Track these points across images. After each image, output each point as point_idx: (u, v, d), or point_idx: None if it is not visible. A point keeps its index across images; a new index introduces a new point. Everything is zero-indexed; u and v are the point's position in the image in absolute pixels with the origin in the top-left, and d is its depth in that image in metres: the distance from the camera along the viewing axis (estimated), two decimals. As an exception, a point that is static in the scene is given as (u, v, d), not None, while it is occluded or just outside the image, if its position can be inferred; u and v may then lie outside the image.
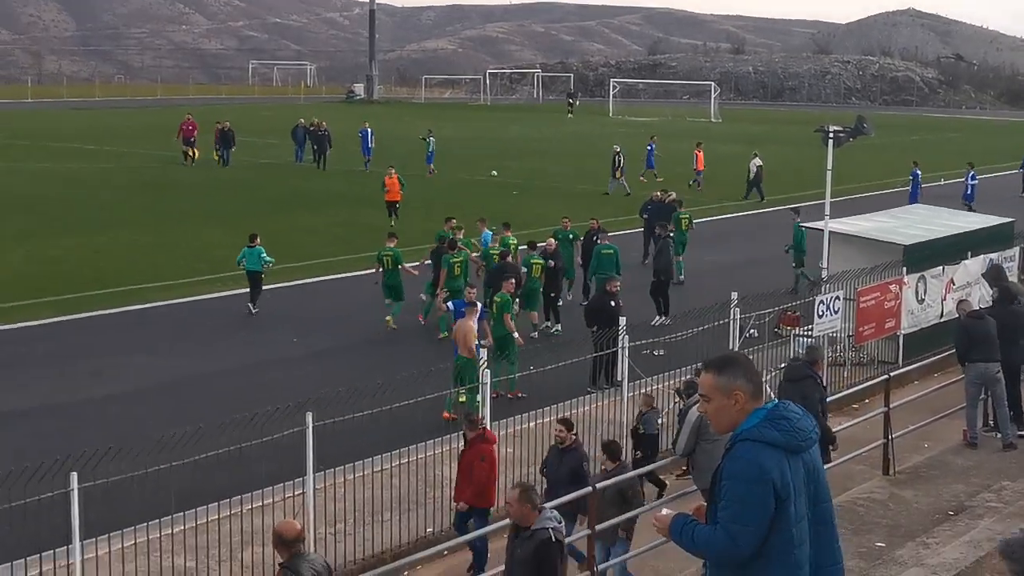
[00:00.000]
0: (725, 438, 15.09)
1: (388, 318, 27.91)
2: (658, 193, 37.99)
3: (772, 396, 16.63)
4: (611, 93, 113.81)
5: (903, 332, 25.58)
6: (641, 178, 54.18)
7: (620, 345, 21.10)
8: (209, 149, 60.50)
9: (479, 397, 18.99)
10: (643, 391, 19.34)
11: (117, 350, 25.95)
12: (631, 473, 15.61)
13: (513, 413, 20.06)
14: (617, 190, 50.59)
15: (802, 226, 30.69)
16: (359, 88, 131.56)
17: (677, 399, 18.58)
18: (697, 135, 65.40)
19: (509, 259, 28.01)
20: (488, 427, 17.29)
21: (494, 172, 56.79)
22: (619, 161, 51.30)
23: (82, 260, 35.47)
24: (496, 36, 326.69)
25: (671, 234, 31.90)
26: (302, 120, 64.93)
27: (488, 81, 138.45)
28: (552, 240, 29.75)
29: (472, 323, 22.00)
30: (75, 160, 61.70)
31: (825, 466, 13.58)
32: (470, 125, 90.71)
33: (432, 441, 18.66)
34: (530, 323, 27.59)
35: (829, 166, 26.57)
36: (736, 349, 22.36)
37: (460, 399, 20.56)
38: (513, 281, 25.63)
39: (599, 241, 30.22)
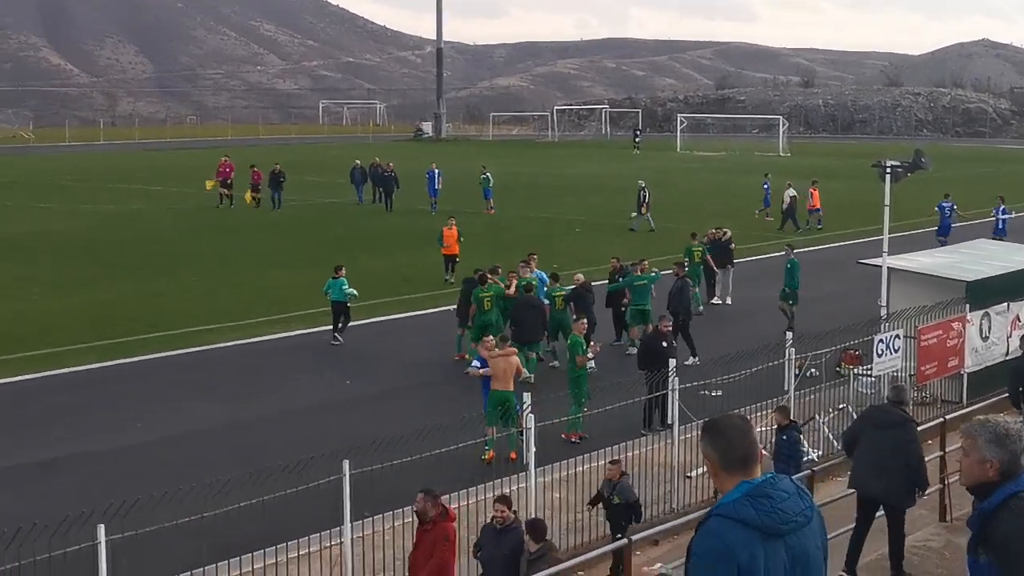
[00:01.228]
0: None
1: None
2: (713, 230, 37.41)
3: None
4: (678, 128, 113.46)
5: (967, 371, 24.89)
6: (759, 214, 53.90)
7: (670, 387, 20.52)
8: (244, 191, 59.68)
9: (521, 437, 18.59)
10: (609, 459, 17.99)
11: (164, 395, 25.72)
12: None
13: (560, 457, 19.60)
14: (642, 225, 50.19)
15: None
16: (427, 126, 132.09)
17: None
18: (764, 169, 64.85)
19: (532, 294, 27.85)
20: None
21: (578, 229, 53.34)
22: (644, 196, 50.88)
23: (140, 304, 35.41)
24: (567, 72, 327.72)
25: (687, 270, 31.28)
26: (358, 161, 64.31)
27: (555, 118, 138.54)
28: (580, 276, 29.55)
29: (514, 357, 22.06)
30: (141, 201, 62.31)
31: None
32: (536, 162, 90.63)
33: (475, 488, 18.19)
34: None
35: (887, 201, 26.00)
36: (791, 390, 21.88)
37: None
38: (585, 322, 25.20)
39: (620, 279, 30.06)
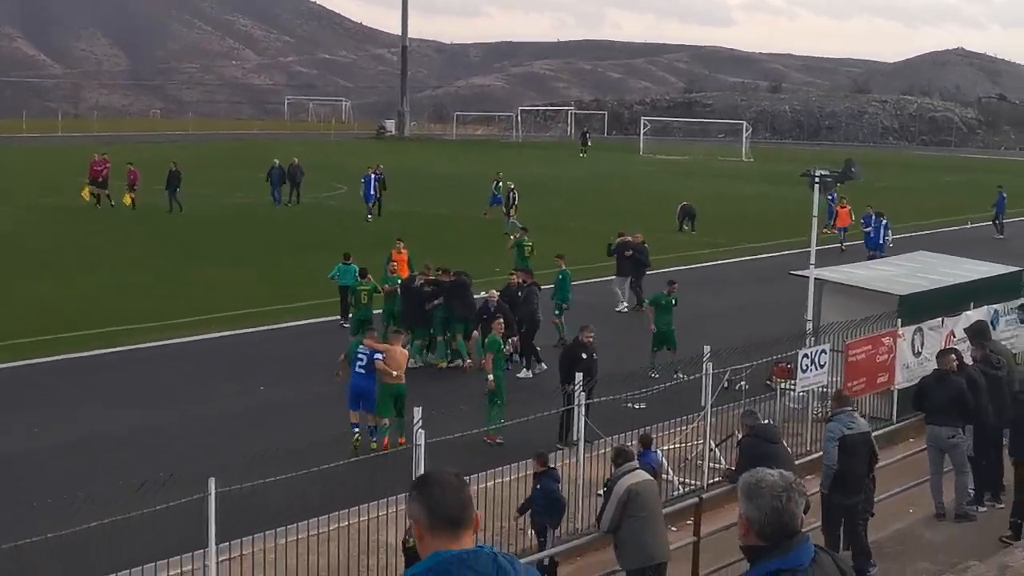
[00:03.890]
0: (655, 514, 13.77)
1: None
2: (629, 238, 36.52)
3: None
4: (642, 131, 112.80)
5: (898, 387, 24.15)
6: (825, 230, 51.53)
7: (576, 402, 19.57)
8: (120, 193, 55.36)
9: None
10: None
11: (64, 400, 24.76)
12: None
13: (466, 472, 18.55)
14: (511, 228, 48.16)
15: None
16: (390, 124, 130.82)
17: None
18: (726, 174, 64.13)
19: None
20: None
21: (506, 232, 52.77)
22: (513, 199, 50.69)
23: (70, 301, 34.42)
24: (544, 73, 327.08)
25: (535, 282, 30.00)
26: (277, 160, 60.93)
27: (520, 118, 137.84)
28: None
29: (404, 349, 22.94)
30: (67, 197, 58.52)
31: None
32: (488, 162, 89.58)
33: (370, 504, 17.25)
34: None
35: (814, 212, 25.25)
36: (708, 405, 21.08)
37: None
38: (502, 321, 24.48)
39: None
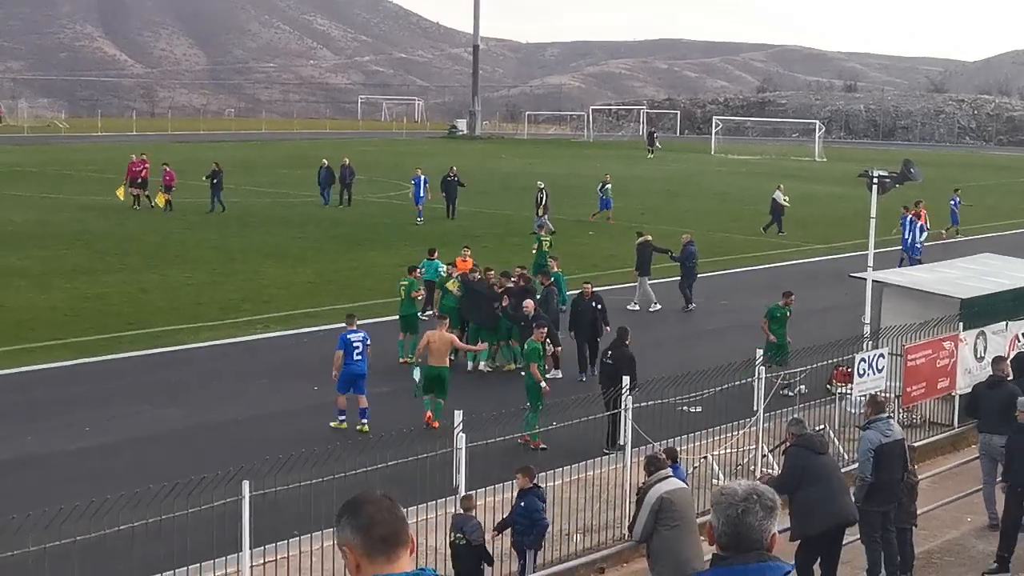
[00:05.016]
0: (689, 523, 13.45)
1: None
2: (649, 237, 36.16)
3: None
4: (713, 131, 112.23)
5: (959, 392, 23.60)
6: (942, 232, 50.04)
7: (623, 406, 19.25)
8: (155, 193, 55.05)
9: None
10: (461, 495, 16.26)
11: (122, 397, 24.82)
12: None
13: (492, 481, 18.12)
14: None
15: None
16: (462, 124, 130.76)
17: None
18: (796, 174, 63.44)
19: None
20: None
21: (591, 232, 51.32)
22: (542, 198, 49.55)
23: (125, 299, 34.56)
24: (619, 72, 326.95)
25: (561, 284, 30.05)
26: (325, 161, 60.46)
27: (592, 117, 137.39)
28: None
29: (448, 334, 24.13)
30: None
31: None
32: (560, 162, 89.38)
33: (407, 508, 16.98)
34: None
35: (873, 213, 24.73)
36: (760, 410, 20.68)
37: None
38: (545, 329, 24.23)
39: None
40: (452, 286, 28.90)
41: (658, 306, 34.76)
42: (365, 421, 22.47)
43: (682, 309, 35.00)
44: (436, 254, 31.98)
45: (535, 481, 16.17)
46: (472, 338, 27.59)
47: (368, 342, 22.85)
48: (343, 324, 23.79)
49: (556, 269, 31.00)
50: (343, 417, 22.63)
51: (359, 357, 22.59)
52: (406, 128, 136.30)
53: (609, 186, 54.15)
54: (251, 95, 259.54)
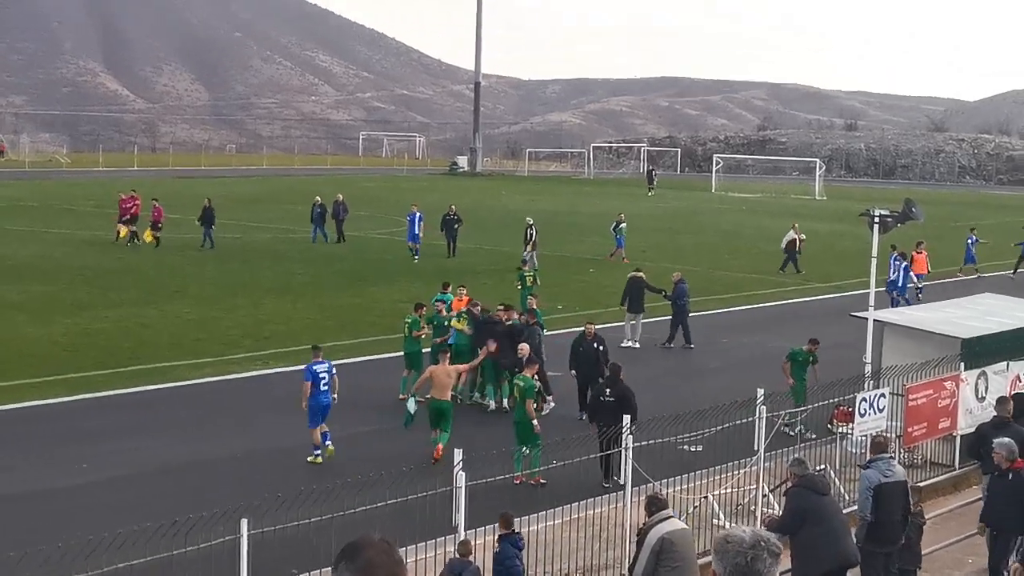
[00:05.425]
0: (690, 564, 13.38)
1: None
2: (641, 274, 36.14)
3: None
4: (714, 169, 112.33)
5: (960, 432, 23.54)
6: (959, 272, 50.96)
7: (623, 445, 19.15)
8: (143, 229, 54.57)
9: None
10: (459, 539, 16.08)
11: (119, 433, 24.74)
12: None
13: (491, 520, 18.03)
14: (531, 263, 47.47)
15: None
16: (462, 160, 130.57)
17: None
18: (796, 212, 63.44)
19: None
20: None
21: (591, 270, 50.88)
22: (531, 234, 49.40)
23: (124, 333, 34.51)
24: (620, 109, 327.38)
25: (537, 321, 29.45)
26: (318, 198, 59.69)
27: (592, 155, 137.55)
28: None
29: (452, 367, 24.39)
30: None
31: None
32: (560, 199, 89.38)
33: (407, 548, 16.88)
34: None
35: (874, 253, 24.73)
36: (761, 449, 20.59)
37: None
38: (537, 365, 24.23)
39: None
40: (459, 325, 28.64)
41: (636, 344, 34.65)
42: (328, 443, 22.91)
43: (682, 347, 34.96)
44: (450, 288, 31.61)
45: (512, 527, 15.99)
46: (490, 375, 27.68)
47: (334, 372, 23.13)
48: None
49: (535, 307, 30.52)
50: (318, 452, 22.81)
51: (326, 387, 22.90)
52: (407, 164, 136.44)
53: (624, 225, 54.02)
54: (252, 131, 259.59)
